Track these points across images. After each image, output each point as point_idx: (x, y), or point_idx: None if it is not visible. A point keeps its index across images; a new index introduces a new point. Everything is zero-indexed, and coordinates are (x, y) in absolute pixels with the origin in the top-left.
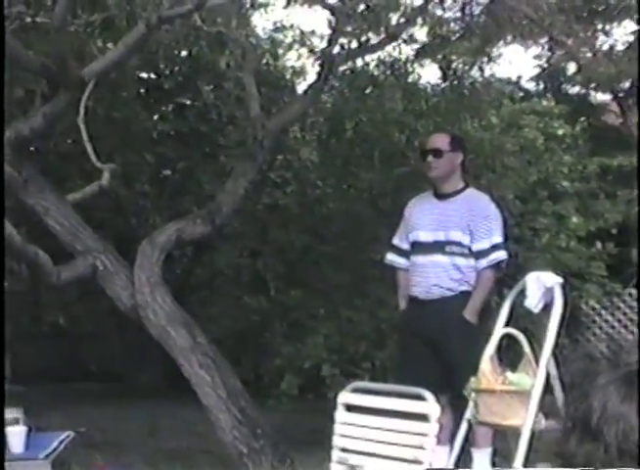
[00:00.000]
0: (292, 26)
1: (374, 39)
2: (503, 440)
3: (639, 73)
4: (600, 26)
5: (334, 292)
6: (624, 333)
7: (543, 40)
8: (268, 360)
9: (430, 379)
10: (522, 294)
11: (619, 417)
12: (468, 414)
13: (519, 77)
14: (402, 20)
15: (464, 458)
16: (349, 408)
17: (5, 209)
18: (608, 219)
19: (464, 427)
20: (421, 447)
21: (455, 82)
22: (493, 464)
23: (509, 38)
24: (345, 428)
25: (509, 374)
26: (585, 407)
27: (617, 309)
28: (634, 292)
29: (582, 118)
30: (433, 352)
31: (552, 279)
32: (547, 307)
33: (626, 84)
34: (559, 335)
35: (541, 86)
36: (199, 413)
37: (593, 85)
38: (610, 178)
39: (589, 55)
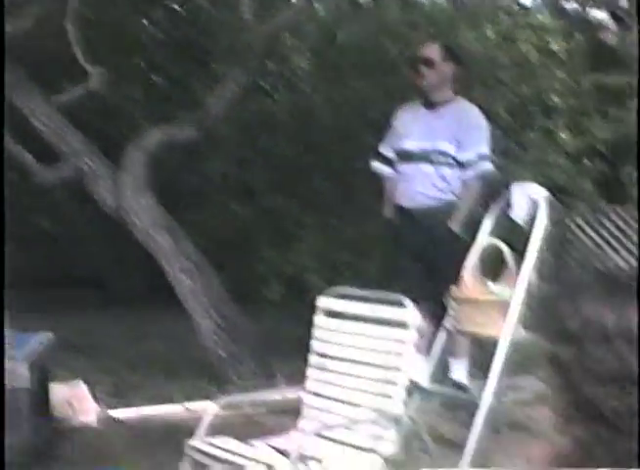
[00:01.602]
0: None
1: None
2: (481, 350)
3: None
4: None
5: (321, 201)
6: (608, 251)
7: None
8: (253, 267)
9: (412, 286)
10: (507, 206)
11: (598, 321)
12: (447, 323)
13: None
14: None
15: (441, 367)
16: (329, 314)
17: None
18: (598, 137)
19: (442, 336)
20: (399, 354)
21: None
22: (470, 374)
23: None
24: (324, 333)
25: (490, 284)
26: (574, 316)
27: (602, 227)
28: (620, 210)
29: (578, 35)
30: (416, 260)
31: (537, 191)
32: (531, 220)
33: (624, 3)
34: (542, 248)
35: (539, 1)
36: (182, 320)
37: (591, 2)
38: (602, 96)
39: None
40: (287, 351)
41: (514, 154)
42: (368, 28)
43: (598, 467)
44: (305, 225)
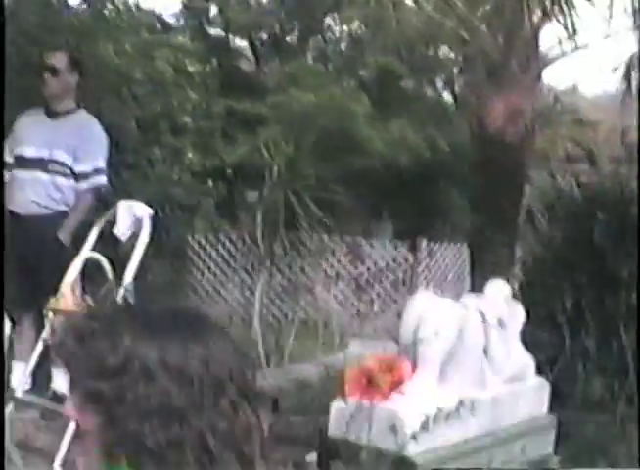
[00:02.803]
0: None
1: None
2: None
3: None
4: None
5: None
6: (226, 268)
7: None
8: None
9: (15, 297)
10: (112, 221)
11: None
12: (45, 334)
13: (161, 11)
14: None
15: (43, 377)
16: None
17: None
18: (225, 159)
19: (39, 346)
20: None
21: (97, 5)
22: None
23: None
24: None
25: (88, 297)
26: (115, 351)
27: (222, 246)
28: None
29: (216, 60)
30: (22, 269)
31: (143, 209)
32: (135, 237)
33: (264, 35)
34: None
35: (182, 22)
36: None
37: (234, 29)
38: (233, 121)
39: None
40: None
41: (139, 169)
42: (9, 30)
43: None
44: None
